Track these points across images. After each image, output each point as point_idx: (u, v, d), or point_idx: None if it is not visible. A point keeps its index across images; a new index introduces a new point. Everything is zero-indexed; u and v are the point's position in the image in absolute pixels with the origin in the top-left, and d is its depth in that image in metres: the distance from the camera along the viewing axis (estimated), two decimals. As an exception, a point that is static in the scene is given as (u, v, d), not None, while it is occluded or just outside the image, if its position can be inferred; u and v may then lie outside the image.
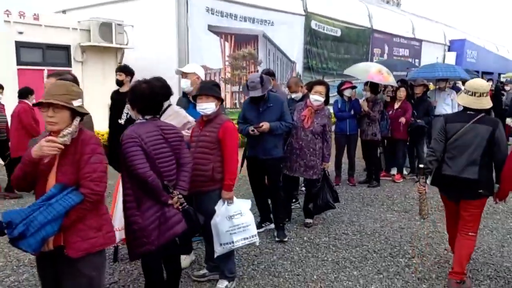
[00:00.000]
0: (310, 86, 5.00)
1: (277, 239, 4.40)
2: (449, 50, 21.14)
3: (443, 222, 4.46)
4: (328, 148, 4.67)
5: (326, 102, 4.69)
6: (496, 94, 11.43)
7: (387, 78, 6.72)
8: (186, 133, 3.40)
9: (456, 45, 20.97)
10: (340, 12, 14.05)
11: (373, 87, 6.66)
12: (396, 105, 6.79)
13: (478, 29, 24.03)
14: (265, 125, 4.13)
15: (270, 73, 5.43)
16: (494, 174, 3.38)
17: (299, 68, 12.57)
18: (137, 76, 3.90)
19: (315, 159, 4.54)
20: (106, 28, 8.78)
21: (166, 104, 3.44)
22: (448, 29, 22.34)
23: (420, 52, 19.10)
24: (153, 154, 2.65)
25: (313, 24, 12.93)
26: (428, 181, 3.58)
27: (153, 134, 2.69)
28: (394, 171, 7.16)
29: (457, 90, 9.94)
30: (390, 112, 6.82)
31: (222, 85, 9.47)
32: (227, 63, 10.40)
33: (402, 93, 6.71)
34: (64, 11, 11.30)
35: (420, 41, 19.00)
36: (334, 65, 14.05)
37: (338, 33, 14.15)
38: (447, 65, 8.49)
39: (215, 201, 3.23)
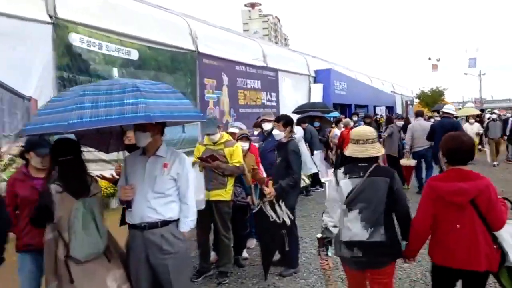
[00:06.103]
0: None
1: None
2: (315, 82, 18.00)
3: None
4: None
5: None
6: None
7: None
8: None
9: (321, 76, 17.90)
10: (136, 26, 9.50)
11: None
12: None
13: (349, 60, 21.70)
14: None
15: None
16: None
17: (46, 108, 7.49)
18: None
19: None
20: None
21: None
22: (313, 59, 19.39)
23: (277, 84, 15.43)
24: None
25: (74, 38, 8.05)
26: (330, 253, 3.05)
27: None
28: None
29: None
30: None
31: None
32: None
33: None
34: None
35: (276, 70, 15.37)
36: (133, 102, 9.31)
37: (134, 56, 9.48)
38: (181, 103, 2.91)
39: None
